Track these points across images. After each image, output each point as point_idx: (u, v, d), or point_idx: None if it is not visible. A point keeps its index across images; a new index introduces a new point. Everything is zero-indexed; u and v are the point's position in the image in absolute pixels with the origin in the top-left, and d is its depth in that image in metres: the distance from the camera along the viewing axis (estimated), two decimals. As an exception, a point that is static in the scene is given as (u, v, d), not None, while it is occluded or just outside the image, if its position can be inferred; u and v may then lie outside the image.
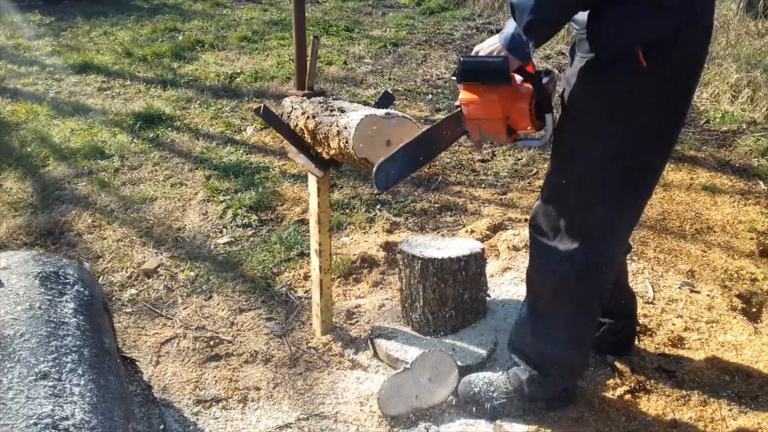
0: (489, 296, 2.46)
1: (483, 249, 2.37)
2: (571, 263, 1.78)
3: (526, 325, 1.97)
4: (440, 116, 4.38)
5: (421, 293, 2.29)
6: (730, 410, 2.05)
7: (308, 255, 2.78)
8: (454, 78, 1.89)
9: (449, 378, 2.06)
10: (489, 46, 1.69)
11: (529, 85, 1.72)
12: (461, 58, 1.73)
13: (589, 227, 1.76)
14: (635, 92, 1.61)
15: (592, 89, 1.68)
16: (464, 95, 1.75)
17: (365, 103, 3.59)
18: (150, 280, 2.81)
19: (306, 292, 2.71)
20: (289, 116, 2.17)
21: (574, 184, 1.75)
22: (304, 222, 3.19)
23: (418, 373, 2.03)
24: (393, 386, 2.02)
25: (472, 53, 1.75)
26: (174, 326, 2.52)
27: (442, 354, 2.06)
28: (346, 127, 1.83)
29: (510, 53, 1.64)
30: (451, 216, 3.34)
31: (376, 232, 3.17)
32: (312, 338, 2.45)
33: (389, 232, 3.17)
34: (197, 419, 2.08)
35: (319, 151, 2.06)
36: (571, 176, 1.76)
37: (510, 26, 1.64)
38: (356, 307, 2.62)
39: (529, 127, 1.74)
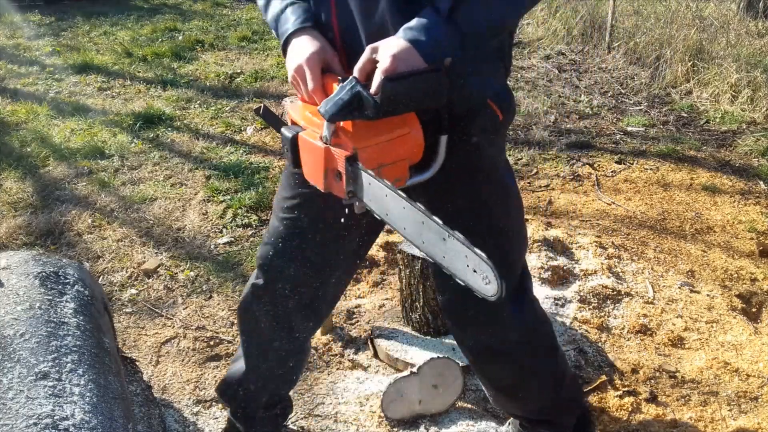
0: (489, 296, 2.46)
1: (483, 249, 2.37)
2: (518, 327, 1.59)
3: (501, 401, 1.79)
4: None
5: (421, 293, 2.29)
6: (730, 410, 2.05)
7: (308, 255, 2.78)
8: (345, 115, 1.11)
9: (454, 386, 2.04)
10: (398, 53, 1.14)
11: None
12: (384, 79, 1.09)
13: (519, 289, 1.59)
14: (499, 140, 1.50)
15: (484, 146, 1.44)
16: (360, 135, 1.12)
17: (365, 103, 3.58)
18: (150, 280, 2.81)
19: (306, 292, 2.71)
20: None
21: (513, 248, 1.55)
22: (304, 222, 3.19)
23: (423, 378, 2.01)
24: (397, 390, 2.00)
25: (378, 65, 1.13)
26: (174, 326, 2.52)
27: (450, 361, 2.03)
28: (346, 127, 1.83)
29: (428, 62, 1.16)
30: (451, 216, 3.34)
31: (376, 232, 3.17)
32: (312, 338, 2.45)
33: (389, 231, 3.17)
34: (197, 419, 2.08)
35: (319, 151, 2.06)
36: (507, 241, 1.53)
37: (433, 22, 1.16)
38: (356, 307, 2.62)
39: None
